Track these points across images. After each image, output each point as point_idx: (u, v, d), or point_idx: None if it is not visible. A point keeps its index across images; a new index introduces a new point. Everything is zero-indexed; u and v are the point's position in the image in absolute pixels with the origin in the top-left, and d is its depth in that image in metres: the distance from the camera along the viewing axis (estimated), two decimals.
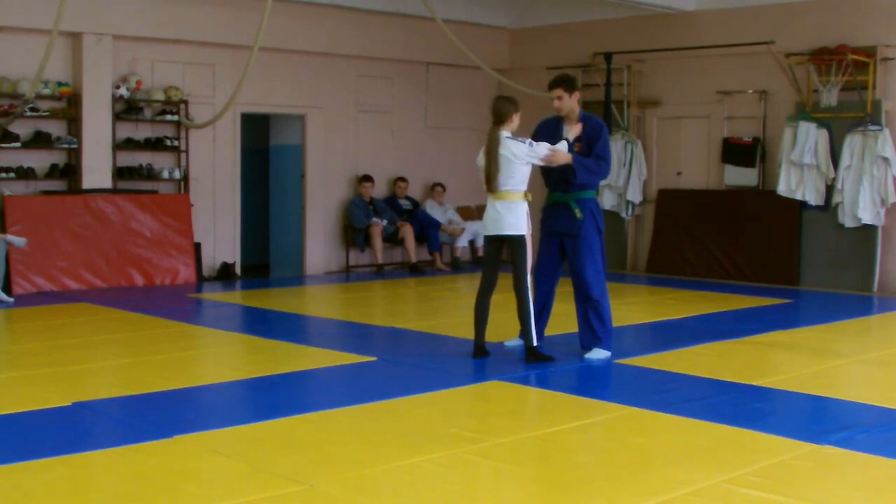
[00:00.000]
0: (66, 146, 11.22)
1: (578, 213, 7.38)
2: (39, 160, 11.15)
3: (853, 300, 11.00)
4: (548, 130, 7.59)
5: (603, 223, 7.56)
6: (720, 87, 12.75)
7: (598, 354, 7.41)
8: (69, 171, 11.29)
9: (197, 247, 11.96)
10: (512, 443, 5.20)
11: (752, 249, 12.44)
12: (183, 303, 10.35)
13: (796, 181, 11.82)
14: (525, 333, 7.30)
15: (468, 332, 7.94)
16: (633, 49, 13.24)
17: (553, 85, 7.49)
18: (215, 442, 5.15)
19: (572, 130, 7.46)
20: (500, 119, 7.21)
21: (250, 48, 9.67)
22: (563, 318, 8.33)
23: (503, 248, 7.39)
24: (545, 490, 4.51)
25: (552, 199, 7.59)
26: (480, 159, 7.32)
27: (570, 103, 7.46)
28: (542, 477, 4.74)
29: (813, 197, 11.77)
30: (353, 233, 13.35)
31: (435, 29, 11.75)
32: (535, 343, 7.23)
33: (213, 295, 11.05)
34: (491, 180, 7.21)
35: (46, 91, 10.97)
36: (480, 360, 7.29)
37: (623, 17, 13.43)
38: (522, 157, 7.15)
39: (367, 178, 13.42)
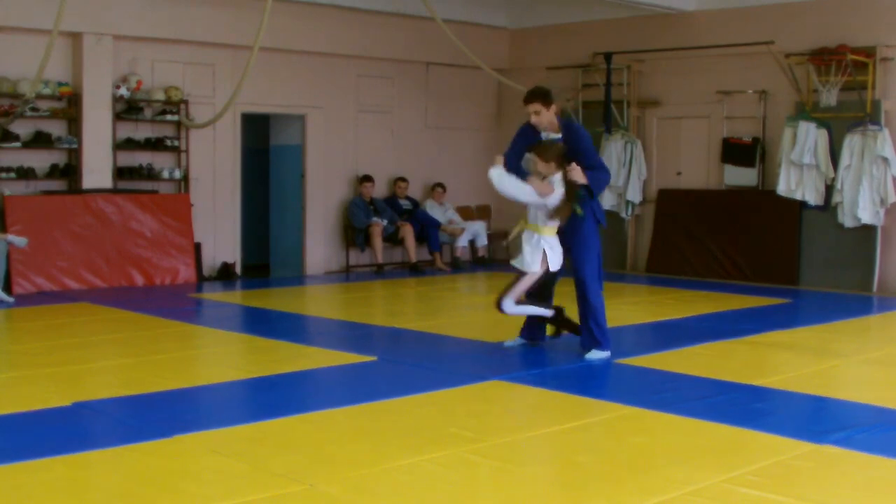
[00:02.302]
0: (66, 146, 11.22)
1: (579, 210, 7.37)
2: (39, 160, 11.15)
3: (853, 300, 11.00)
4: (525, 139, 7.47)
5: (604, 219, 7.53)
6: (720, 87, 12.75)
7: (598, 355, 7.41)
8: (69, 171, 11.29)
9: (197, 247, 11.96)
10: (512, 443, 5.20)
11: (752, 249, 12.43)
12: (183, 303, 10.35)
13: (796, 181, 11.82)
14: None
15: (468, 332, 7.97)
16: (633, 49, 13.24)
17: (529, 99, 7.34)
18: (215, 442, 5.14)
19: (574, 174, 7.17)
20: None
21: (250, 48, 9.68)
22: None
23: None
24: (545, 490, 4.51)
25: None
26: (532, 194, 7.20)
27: (548, 116, 7.35)
28: (542, 477, 4.74)
29: (813, 197, 11.77)
30: (353, 233, 13.35)
31: (435, 29, 11.75)
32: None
33: (214, 295, 11.05)
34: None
35: (46, 91, 10.97)
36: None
37: (623, 17, 13.43)
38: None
39: (367, 178, 13.42)
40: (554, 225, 7.22)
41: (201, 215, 12.19)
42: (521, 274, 7.26)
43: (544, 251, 7.20)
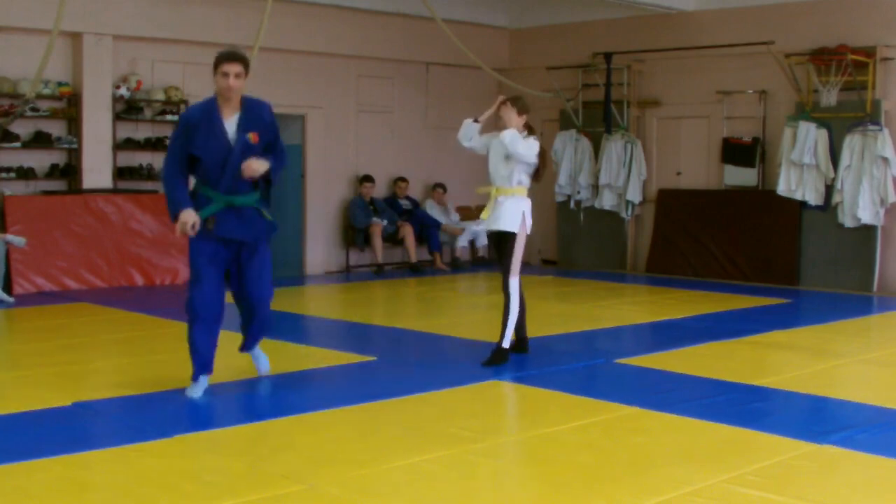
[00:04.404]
0: (66, 146, 11.22)
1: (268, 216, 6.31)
2: (39, 160, 11.15)
3: (853, 300, 10.99)
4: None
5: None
6: (720, 87, 12.75)
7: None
8: (69, 171, 11.29)
9: None
10: (512, 443, 5.21)
11: (752, 249, 12.43)
12: (183, 303, 10.32)
13: (796, 181, 11.82)
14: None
15: (468, 332, 7.95)
16: (633, 49, 13.24)
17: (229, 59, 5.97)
18: (215, 442, 5.15)
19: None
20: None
21: (250, 48, 9.67)
22: (562, 319, 8.34)
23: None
24: (545, 490, 4.51)
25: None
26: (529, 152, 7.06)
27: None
28: (542, 477, 4.74)
29: (813, 197, 11.77)
30: (354, 233, 13.35)
31: (435, 29, 11.75)
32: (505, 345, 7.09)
33: None
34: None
35: (46, 91, 10.97)
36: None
37: (623, 17, 13.43)
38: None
39: (367, 179, 13.43)
40: (527, 185, 7.16)
41: None
42: (505, 246, 7.10)
43: (523, 213, 7.10)
